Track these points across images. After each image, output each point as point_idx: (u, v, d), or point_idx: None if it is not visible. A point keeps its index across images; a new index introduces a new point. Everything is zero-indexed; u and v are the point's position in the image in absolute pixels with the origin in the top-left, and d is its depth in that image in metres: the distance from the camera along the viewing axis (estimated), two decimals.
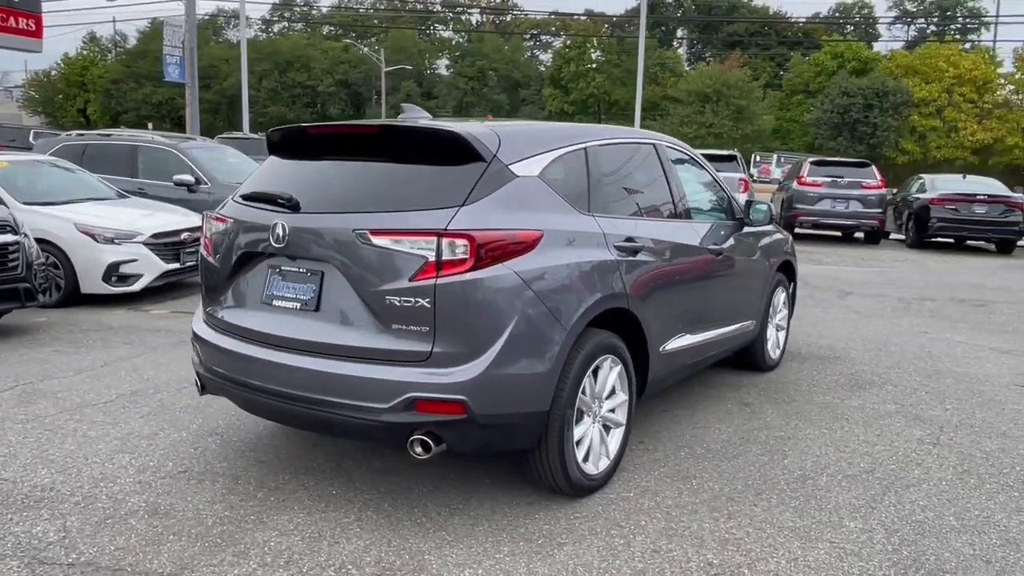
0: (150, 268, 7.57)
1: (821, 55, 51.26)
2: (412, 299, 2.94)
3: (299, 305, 3.27)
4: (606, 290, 3.41)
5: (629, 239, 3.64)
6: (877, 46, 56.04)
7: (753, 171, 38.73)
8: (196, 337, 3.63)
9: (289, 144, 3.70)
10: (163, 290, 8.03)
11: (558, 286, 3.18)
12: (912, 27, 61.13)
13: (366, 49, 56.20)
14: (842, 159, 18.75)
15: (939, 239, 15.20)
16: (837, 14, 59.88)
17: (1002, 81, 46.06)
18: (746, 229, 4.98)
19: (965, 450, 4.23)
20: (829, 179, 15.38)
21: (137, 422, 4.31)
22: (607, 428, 3.62)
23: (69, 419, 4.35)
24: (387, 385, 2.98)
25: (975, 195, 14.71)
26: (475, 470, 3.72)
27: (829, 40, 54.34)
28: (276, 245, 3.28)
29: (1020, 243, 15.14)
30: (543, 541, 3.13)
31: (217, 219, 3.61)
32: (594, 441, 3.50)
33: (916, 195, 15.53)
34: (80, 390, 4.85)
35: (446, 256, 2.92)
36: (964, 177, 16.87)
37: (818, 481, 3.77)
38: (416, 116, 3.74)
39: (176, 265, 7.83)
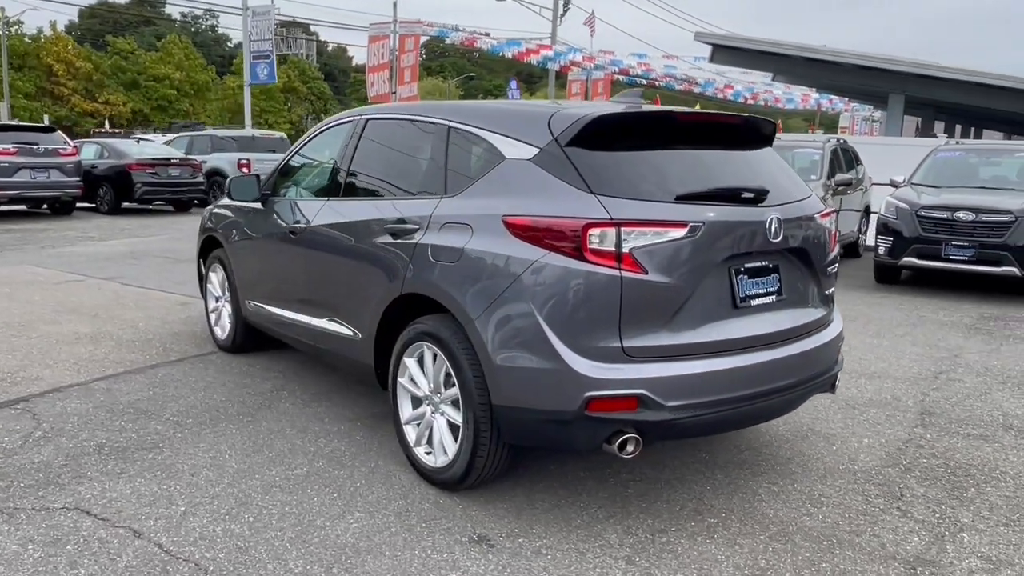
0: None
1: None
2: (836, 265, 3.70)
3: (773, 298, 3.26)
4: None
5: None
6: None
7: None
8: (631, 382, 2.86)
9: (646, 130, 3.24)
10: None
11: None
12: None
13: None
14: (26, 123, 16.70)
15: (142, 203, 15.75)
16: None
17: None
18: None
19: None
20: (22, 146, 13.87)
21: None
22: None
23: None
24: (837, 346, 3.63)
25: (169, 159, 15.77)
26: None
27: None
28: (774, 241, 3.19)
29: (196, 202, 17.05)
30: None
31: (665, 225, 2.90)
32: None
33: (103, 161, 15.51)
34: None
35: None
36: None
37: None
38: (635, 100, 3.40)
39: None
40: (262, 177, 4.98)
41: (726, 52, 21.13)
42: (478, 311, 3.06)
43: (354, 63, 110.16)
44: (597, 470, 3.70)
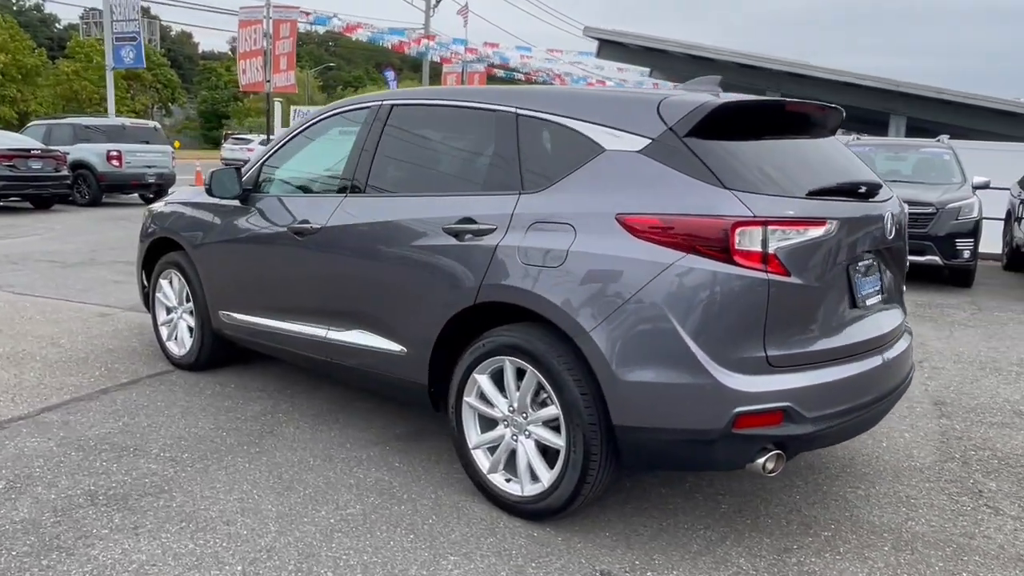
0: None
1: None
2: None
3: (881, 297, 3.14)
4: None
5: None
6: None
7: None
8: (775, 394, 2.62)
9: (760, 119, 3.03)
10: None
11: None
12: None
13: None
14: None
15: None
16: None
17: None
18: None
19: None
20: None
21: None
22: None
23: None
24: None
25: (30, 150, 14.04)
26: None
27: None
28: (889, 239, 3.11)
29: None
30: None
31: (807, 223, 2.68)
32: None
33: None
34: None
35: None
36: None
37: None
38: (713, 88, 3.13)
39: None
40: (241, 171, 4.35)
41: (612, 47, 21.49)
42: (593, 321, 2.72)
43: (200, 49, 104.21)
44: (673, 484, 3.45)
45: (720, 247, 2.57)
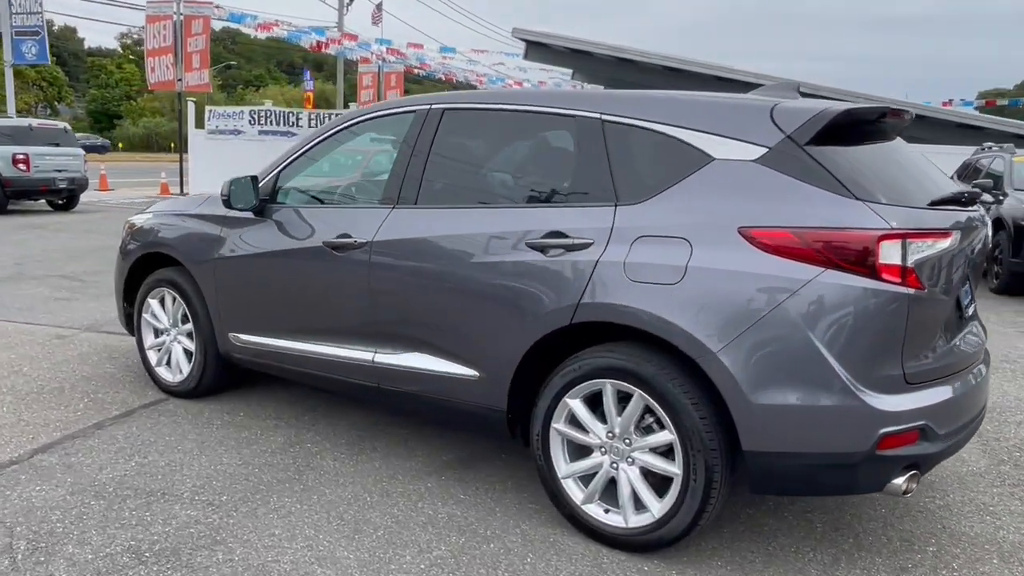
0: None
1: None
2: None
3: (973, 308, 3.07)
4: None
5: None
6: None
7: None
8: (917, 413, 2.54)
9: (867, 126, 2.90)
10: None
11: None
12: None
13: None
14: None
15: None
16: None
17: None
18: None
19: None
20: None
21: None
22: None
23: None
24: None
25: None
26: None
27: None
28: (988, 246, 3.11)
29: None
30: None
31: (938, 235, 2.60)
32: None
33: None
34: None
35: None
36: None
37: None
38: (791, 92, 3.05)
39: None
40: (258, 179, 3.96)
41: (539, 49, 21.46)
42: (721, 342, 2.56)
43: (87, 45, 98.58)
44: (757, 504, 3.33)
45: (864, 262, 2.45)
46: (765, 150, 2.68)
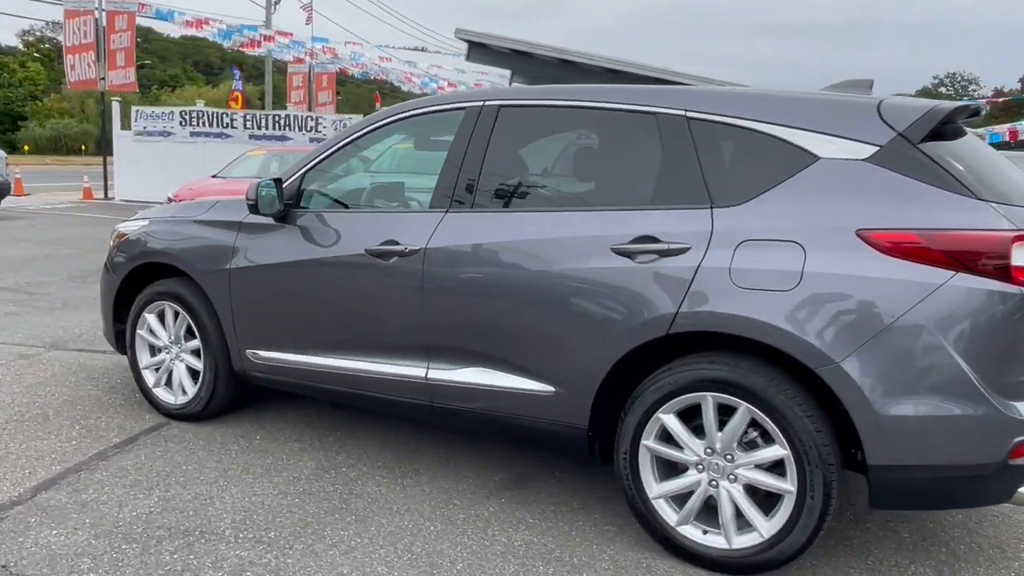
0: None
1: None
2: None
3: None
4: None
5: None
6: None
7: None
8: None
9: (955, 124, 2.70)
10: None
11: None
12: None
13: None
14: None
15: None
16: None
17: None
18: None
19: None
20: None
21: None
22: None
23: None
24: None
25: None
26: None
27: None
28: None
29: None
30: None
31: None
32: None
33: None
34: None
35: None
36: None
37: None
38: (864, 89, 2.94)
39: None
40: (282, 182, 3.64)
41: (481, 50, 21.20)
42: (844, 351, 2.42)
43: None
44: (835, 515, 3.22)
45: (998, 264, 2.35)
46: (876, 148, 2.56)
